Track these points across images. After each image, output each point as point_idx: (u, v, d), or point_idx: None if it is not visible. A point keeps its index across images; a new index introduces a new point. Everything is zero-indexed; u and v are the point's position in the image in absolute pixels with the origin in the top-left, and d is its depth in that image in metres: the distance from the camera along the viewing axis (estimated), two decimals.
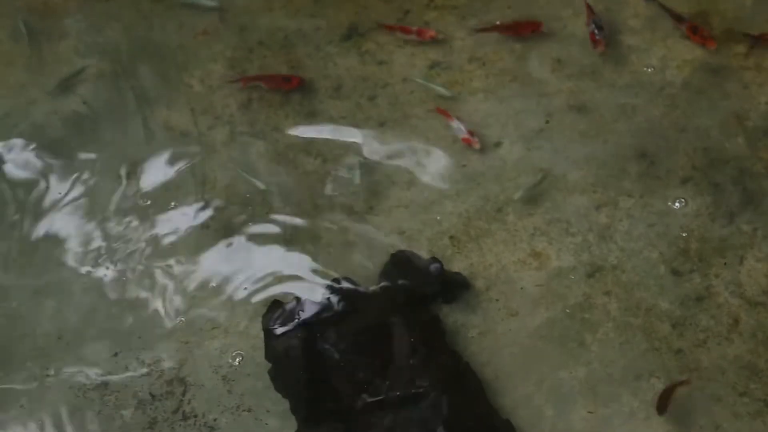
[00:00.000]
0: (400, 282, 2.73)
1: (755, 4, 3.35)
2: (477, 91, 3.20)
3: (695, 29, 3.26)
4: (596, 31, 3.16)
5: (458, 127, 3.04)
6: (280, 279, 2.81)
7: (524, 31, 3.28)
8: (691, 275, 2.77)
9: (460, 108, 3.15)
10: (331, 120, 3.15)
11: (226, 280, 2.82)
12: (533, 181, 2.93)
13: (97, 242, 2.91)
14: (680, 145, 3.03)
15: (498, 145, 3.07)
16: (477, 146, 3.00)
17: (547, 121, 3.09)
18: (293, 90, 3.19)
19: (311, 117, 3.16)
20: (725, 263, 2.78)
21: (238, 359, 2.67)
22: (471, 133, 3.02)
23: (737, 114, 3.08)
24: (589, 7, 3.25)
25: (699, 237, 2.83)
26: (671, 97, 3.14)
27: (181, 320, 2.74)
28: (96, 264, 2.87)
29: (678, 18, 3.29)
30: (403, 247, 2.83)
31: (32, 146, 3.12)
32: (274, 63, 3.30)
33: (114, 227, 2.94)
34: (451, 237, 2.87)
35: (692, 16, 3.32)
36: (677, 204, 2.88)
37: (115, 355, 2.69)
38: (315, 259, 2.84)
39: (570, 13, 3.37)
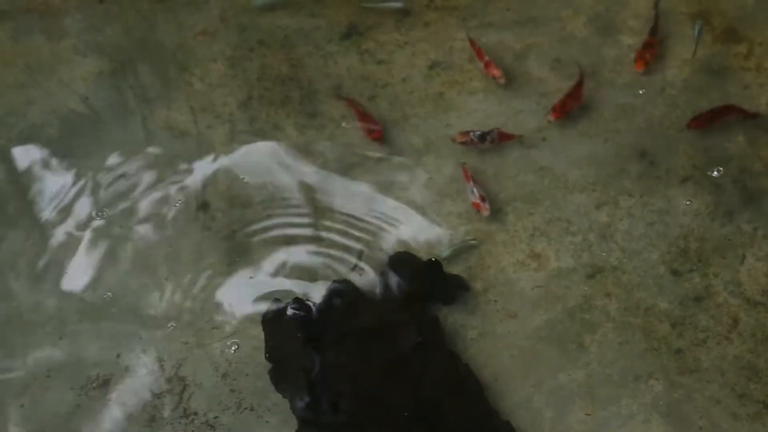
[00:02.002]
0: (399, 283, 2.74)
1: (756, 4, 3.35)
2: (477, 90, 3.19)
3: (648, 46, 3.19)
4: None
5: (472, 191, 2.89)
6: (281, 279, 2.81)
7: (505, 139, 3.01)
8: (691, 275, 2.76)
9: (460, 108, 3.16)
10: (332, 119, 3.15)
11: (226, 280, 2.82)
12: (461, 240, 2.85)
13: (98, 242, 2.91)
14: (680, 144, 3.03)
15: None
16: (486, 213, 2.86)
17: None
18: (374, 140, 3.06)
19: (312, 116, 3.16)
20: (725, 263, 2.78)
21: (233, 347, 2.68)
22: (483, 198, 2.87)
23: None
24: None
25: (699, 236, 2.83)
26: (671, 98, 3.14)
27: (182, 320, 2.75)
28: (96, 264, 2.87)
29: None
30: (401, 248, 2.84)
31: (31, 146, 3.12)
32: (274, 62, 3.29)
33: (114, 228, 2.94)
34: (450, 237, 2.87)
35: (693, 16, 3.31)
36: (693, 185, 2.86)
37: (118, 356, 2.69)
38: (315, 261, 2.84)
39: (569, 13, 3.36)
